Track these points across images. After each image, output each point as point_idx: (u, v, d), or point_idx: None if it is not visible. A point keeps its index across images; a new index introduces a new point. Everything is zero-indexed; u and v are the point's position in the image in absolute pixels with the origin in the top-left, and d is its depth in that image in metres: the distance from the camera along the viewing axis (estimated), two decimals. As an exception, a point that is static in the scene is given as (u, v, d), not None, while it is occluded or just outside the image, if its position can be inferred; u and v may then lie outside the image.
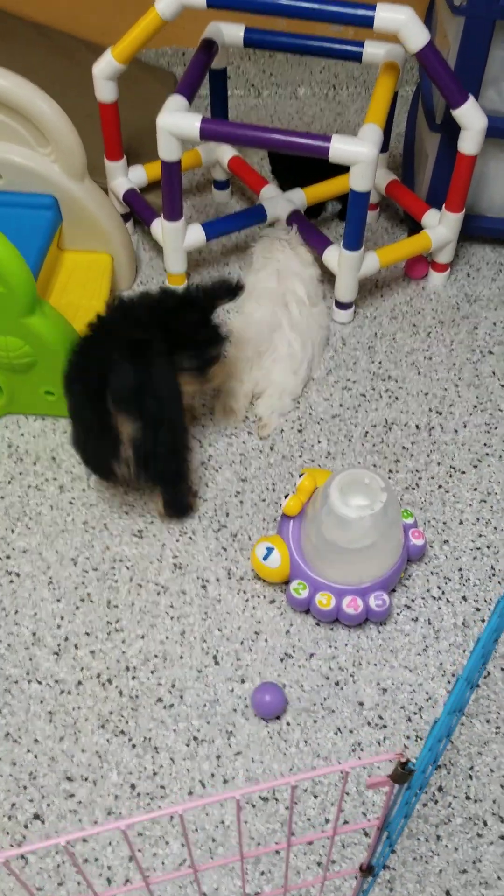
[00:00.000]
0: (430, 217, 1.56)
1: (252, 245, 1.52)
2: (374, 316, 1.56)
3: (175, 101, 1.35)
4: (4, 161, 1.40)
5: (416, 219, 1.59)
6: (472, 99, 1.36)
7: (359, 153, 1.29)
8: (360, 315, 1.56)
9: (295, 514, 1.16)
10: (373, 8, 1.29)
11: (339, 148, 1.29)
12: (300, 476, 1.18)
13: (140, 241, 1.68)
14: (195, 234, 1.50)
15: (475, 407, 1.41)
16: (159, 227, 1.50)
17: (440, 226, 1.53)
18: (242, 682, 1.11)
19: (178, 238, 1.49)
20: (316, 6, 1.31)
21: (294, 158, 1.71)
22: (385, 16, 1.28)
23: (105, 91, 1.48)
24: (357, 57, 1.49)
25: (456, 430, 1.38)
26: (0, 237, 1.17)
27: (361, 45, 1.48)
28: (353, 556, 1.10)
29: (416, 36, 1.29)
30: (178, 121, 1.32)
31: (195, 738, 1.06)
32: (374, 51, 1.47)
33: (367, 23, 1.30)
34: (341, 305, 1.52)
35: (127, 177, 1.62)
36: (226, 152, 1.71)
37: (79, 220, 1.48)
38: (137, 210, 1.58)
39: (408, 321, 1.55)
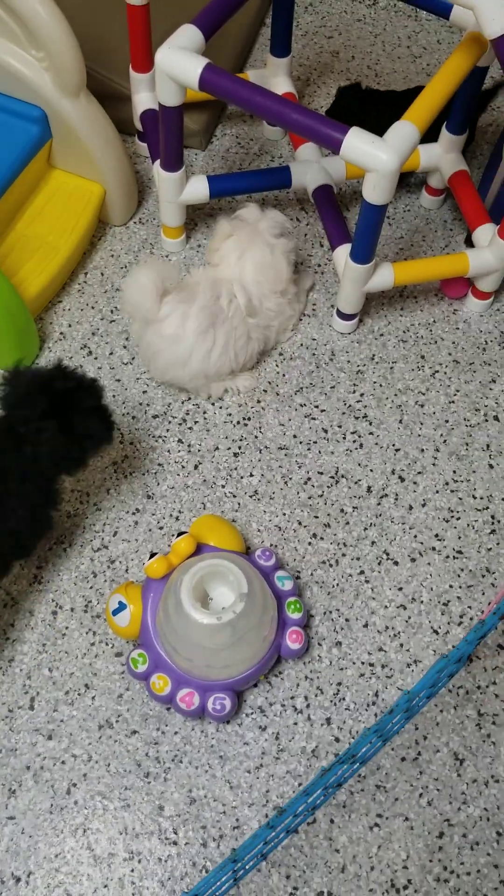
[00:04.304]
0: (483, 233, 1.28)
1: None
2: (380, 332, 1.32)
3: (185, 34, 1.09)
4: (-11, 55, 1.20)
5: (469, 227, 1.30)
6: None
7: (375, 159, 1.02)
8: (365, 328, 1.32)
9: (159, 577, 1.00)
10: (451, -32, 0.98)
11: (354, 146, 1.02)
12: (177, 535, 1.01)
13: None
14: (196, 189, 1.28)
15: (446, 484, 1.19)
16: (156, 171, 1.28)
17: (487, 249, 1.25)
18: (49, 738, 1.00)
19: (175, 190, 1.26)
20: None
21: (369, 96, 1.41)
22: (463, -17, 0.98)
23: (133, -11, 1.22)
24: (445, 12, 1.18)
25: (411, 507, 1.17)
26: None
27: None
28: (200, 652, 0.95)
29: (495, 19, 0.98)
30: (178, 62, 1.07)
31: (-29, 789, 0.97)
32: (465, 13, 1.15)
33: (439, -13, 1.00)
34: (342, 315, 1.28)
35: (153, 92, 1.38)
36: (281, 84, 1.44)
37: (68, 142, 1.27)
38: (149, 137, 1.35)
39: (417, 350, 1.30)
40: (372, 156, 1.02)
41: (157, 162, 1.26)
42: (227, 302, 1.15)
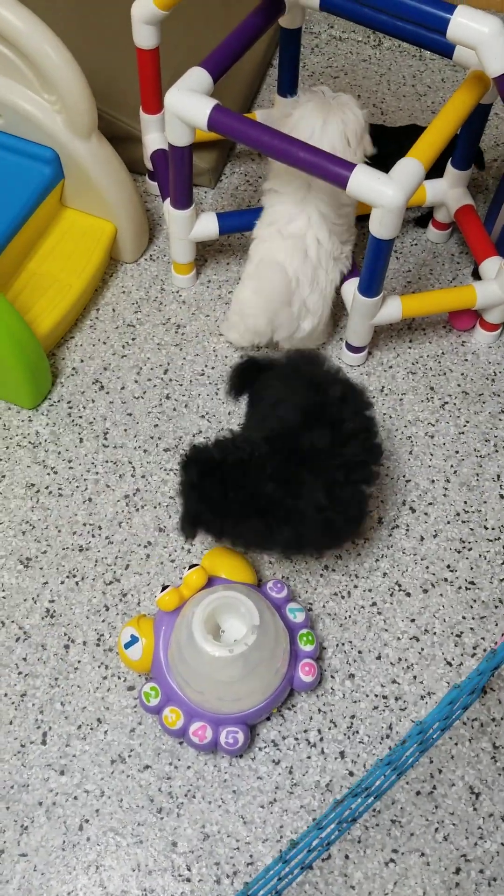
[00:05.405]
0: (490, 266, 1.29)
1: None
2: (390, 365, 1.33)
3: (193, 77, 1.12)
4: (4, 100, 1.23)
5: (476, 260, 1.32)
6: None
7: (382, 195, 1.04)
8: (375, 360, 1.33)
9: (171, 609, 1.00)
10: (451, 9, 1.00)
11: (360, 182, 1.04)
12: (189, 568, 1.01)
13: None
14: (206, 226, 1.30)
15: (457, 515, 1.19)
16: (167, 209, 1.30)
17: (494, 282, 1.26)
18: (62, 774, 1.00)
19: (185, 228, 1.28)
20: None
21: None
22: (464, 23, 1.00)
23: (143, 35, 1.25)
24: (448, 52, 1.20)
25: (422, 538, 1.17)
26: None
27: (458, 38, 1.18)
28: (212, 685, 0.95)
29: (497, 58, 1.00)
30: (186, 103, 1.10)
31: (-16, 826, 0.96)
32: (468, 52, 1.18)
33: (440, 26, 1.02)
34: (351, 347, 1.29)
35: (163, 132, 1.41)
36: (289, 124, 1.46)
37: (80, 182, 1.29)
38: (160, 176, 1.38)
39: (427, 381, 1.31)
40: (378, 192, 1.04)
41: (168, 200, 1.29)
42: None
